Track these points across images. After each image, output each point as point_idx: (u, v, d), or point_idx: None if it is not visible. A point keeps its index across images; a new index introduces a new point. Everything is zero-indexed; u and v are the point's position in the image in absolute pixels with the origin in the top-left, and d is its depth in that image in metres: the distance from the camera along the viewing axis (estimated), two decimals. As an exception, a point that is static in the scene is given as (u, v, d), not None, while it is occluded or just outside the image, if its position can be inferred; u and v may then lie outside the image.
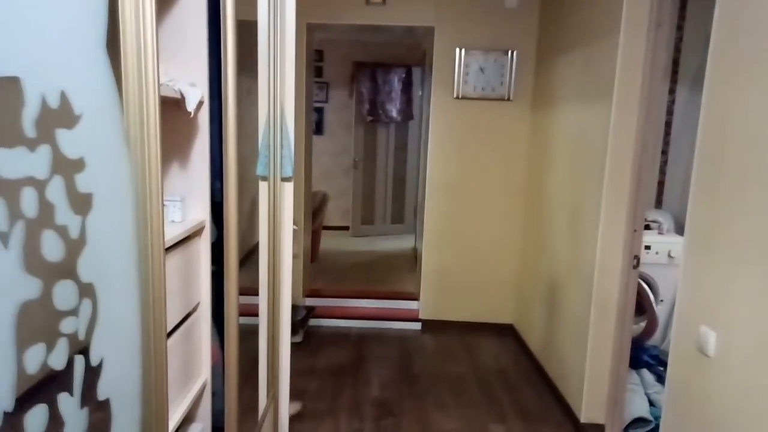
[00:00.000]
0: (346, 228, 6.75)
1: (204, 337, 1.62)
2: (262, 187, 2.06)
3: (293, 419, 2.70)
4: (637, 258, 2.60)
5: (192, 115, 1.39)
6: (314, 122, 6.82)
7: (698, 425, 1.76)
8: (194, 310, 1.55)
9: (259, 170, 2.04)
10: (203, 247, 1.56)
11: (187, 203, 1.50)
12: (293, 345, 3.60)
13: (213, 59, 1.45)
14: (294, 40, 2.01)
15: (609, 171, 2.56)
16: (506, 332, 3.98)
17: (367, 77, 6.41)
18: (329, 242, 6.19)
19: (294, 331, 3.66)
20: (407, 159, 6.69)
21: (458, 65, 3.80)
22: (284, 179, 2.08)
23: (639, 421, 2.70)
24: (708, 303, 1.75)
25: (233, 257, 1.37)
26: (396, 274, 5.01)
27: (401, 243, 6.32)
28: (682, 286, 1.91)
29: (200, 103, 1.44)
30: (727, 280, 1.65)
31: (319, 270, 5.11)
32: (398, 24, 3.84)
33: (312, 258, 5.16)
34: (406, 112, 6.54)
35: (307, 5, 3.78)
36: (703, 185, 1.82)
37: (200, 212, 1.52)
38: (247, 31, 2.15)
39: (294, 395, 2.96)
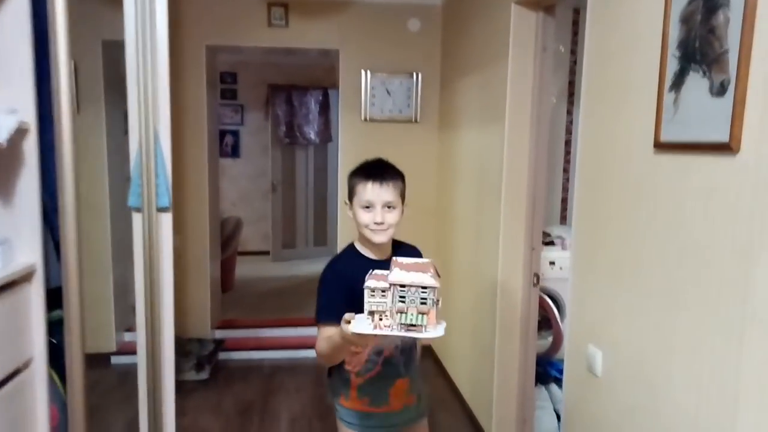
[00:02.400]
0: (266, 253, 6.54)
1: (39, 399, 1.43)
2: (136, 219, 1.91)
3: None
4: (536, 276, 2.62)
5: (4, 145, 1.23)
6: (230, 145, 6.62)
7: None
8: (25, 366, 1.37)
9: (131, 201, 1.89)
10: (35, 293, 1.38)
11: (12, 245, 1.34)
12: (198, 383, 3.38)
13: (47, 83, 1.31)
14: (167, 60, 1.88)
15: (505, 191, 2.58)
16: (426, 355, 3.93)
17: (282, 99, 6.30)
18: (248, 269, 5.96)
19: (200, 367, 3.44)
20: (328, 181, 6.60)
21: (365, 88, 3.77)
22: (160, 209, 1.93)
23: (548, 438, 2.71)
24: (594, 322, 1.76)
25: (75, 302, 1.22)
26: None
27: (324, 266, 6.19)
28: (571, 305, 1.93)
29: (23, 132, 1.29)
30: (609, 300, 1.67)
31: (233, 299, 4.89)
32: (301, 46, 3.78)
33: (226, 287, 4.93)
34: (325, 134, 6.47)
35: (206, 27, 3.64)
36: (584, 206, 1.85)
37: (30, 255, 1.35)
38: (117, 51, 2.00)
39: (194, 439, 2.75)
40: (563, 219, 3.91)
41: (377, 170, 1.54)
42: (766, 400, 1.11)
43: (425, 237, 3.80)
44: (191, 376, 3.41)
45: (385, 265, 1.40)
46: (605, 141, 1.70)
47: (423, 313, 1.17)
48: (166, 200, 1.93)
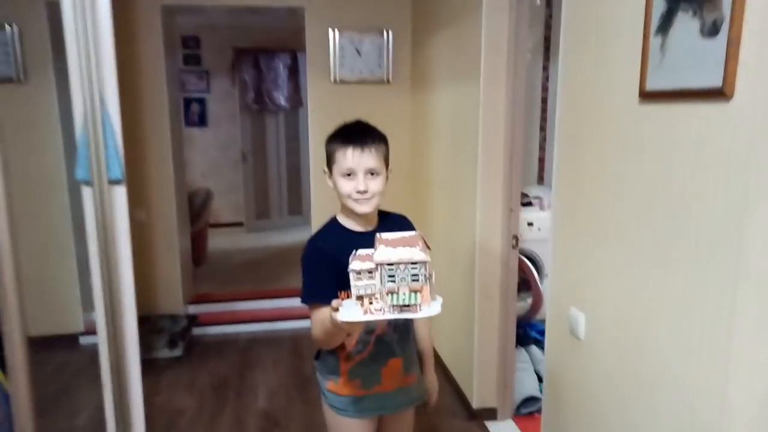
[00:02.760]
0: (240, 224, 6.39)
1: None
2: (86, 193, 1.76)
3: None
4: (516, 237, 2.56)
5: None
6: (197, 114, 6.37)
7: (575, 408, 1.72)
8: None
9: (79, 174, 1.74)
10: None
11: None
12: (172, 360, 3.28)
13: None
14: (110, 18, 1.71)
15: (482, 151, 2.48)
16: (404, 320, 3.89)
17: (249, 64, 6.05)
18: (221, 241, 5.82)
19: (173, 344, 3.34)
20: (300, 148, 6.42)
21: (333, 48, 3.59)
22: (112, 182, 1.78)
23: (530, 399, 2.70)
24: (576, 284, 1.70)
25: (11, 286, 1.10)
26: (292, 269, 4.77)
27: (300, 235, 6.06)
28: (552, 266, 1.86)
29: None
30: (592, 260, 1.60)
31: (207, 273, 4.76)
32: (265, 4, 3.57)
33: (199, 261, 4.80)
34: (295, 99, 6.26)
35: (160, -16, 3.40)
36: (564, 163, 1.76)
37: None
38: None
39: (169, 419, 2.67)
40: (541, 179, 3.84)
41: (357, 134, 1.41)
42: (759, 360, 1.06)
43: (400, 201, 3.69)
44: (164, 353, 3.31)
45: (371, 237, 1.28)
46: (586, 92, 1.60)
47: (416, 291, 1.07)
48: (118, 172, 1.78)
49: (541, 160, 3.84)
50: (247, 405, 2.80)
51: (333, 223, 1.52)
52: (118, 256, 1.85)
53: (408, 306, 1.08)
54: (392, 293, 1.07)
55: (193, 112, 6.31)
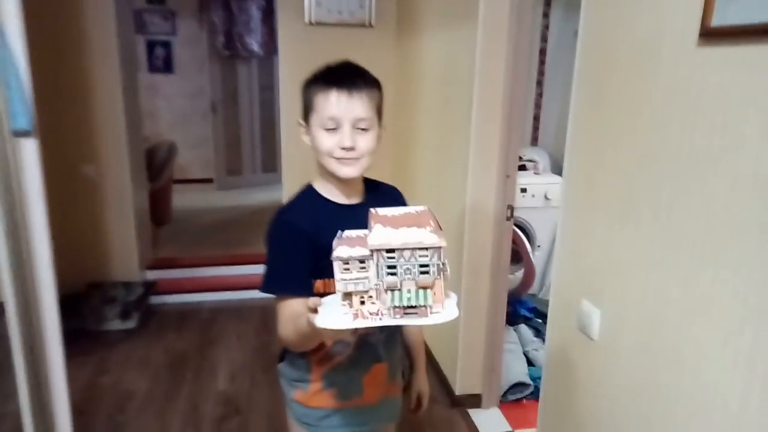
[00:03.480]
0: (210, 180, 5.98)
1: None
2: (-20, 147, 1.39)
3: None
4: (511, 208, 2.25)
5: None
6: (161, 59, 5.84)
7: (580, 420, 1.45)
8: None
9: (-32, 122, 1.36)
10: None
11: None
12: (124, 333, 2.97)
13: None
14: None
15: (477, 107, 2.14)
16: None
17: (219, 4, 5.50)
18: (189, 199, 5.43)
19: (126, 315, 3.02)
20: (275, 98, 5.95)
21: (308, -17, 3.15)
22: (18, 133, 1.41)
23: (517, 385, 2.46)
24: (591, 273, 1.40)
25: None
26: (265, 232, 4.43)
27: (274, 194, 5.69)
28: (560, 247, 1.56)
29: None
30: (614, 245, 1.29)
31: (170, 234, 4.40)
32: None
33: (161, 221, 4.43)
34: (269, 44, 5.75)
35: None
36: (583, 123, 1.43)
37: None
38: None
39: (116, 403, 2.37)
40: (535, 140, 3.52)
41: (345, 75, 1.10)
42: None
43: (380, 162, 3.34)
44: (116, 325, 2.99)
45: (359, 212, 1.01)
46: (619, 35, 1.26)
47: (425, 288, 0.79)
48: (24, 121, 1.41)
49: (536, 119, 3.51)
50: (205, 387, 2.51)
51: (309, 192, 1.19)
52: (30, 219, 1.49)
53: (414, 308, 0.79)
54: (393, 290, 0.79)
55: (158, 57, 5.79)
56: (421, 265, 0.77)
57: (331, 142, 1.08)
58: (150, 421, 2.26)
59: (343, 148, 1.08)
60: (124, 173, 3.23)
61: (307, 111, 1.13)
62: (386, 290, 0.79)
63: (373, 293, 0.80)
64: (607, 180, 1.31)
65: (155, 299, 3.36)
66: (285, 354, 1.25)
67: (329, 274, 0.88)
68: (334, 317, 0.83)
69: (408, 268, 0.78)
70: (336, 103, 1.07)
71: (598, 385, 1.36)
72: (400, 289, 0.78)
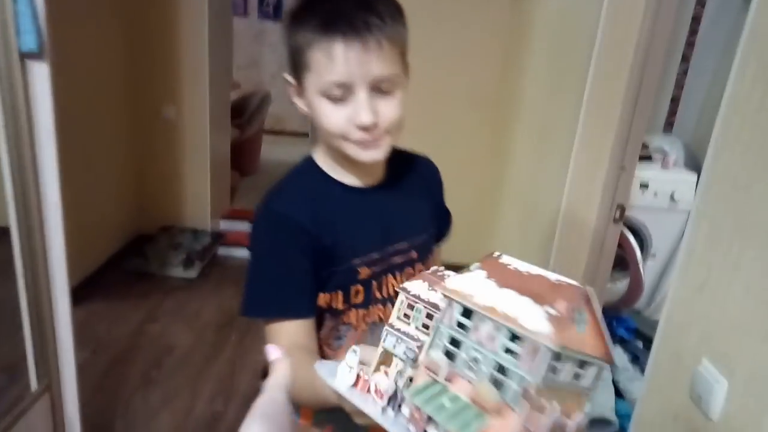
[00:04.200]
0: (305, 135, 5.86)
1: None
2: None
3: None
4: (621, 208, 1.78)
5: None
6: (272, 5, 5.72)
7: None
8: None
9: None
10: None
11: None
12: (184, 282, 2.89)
13: None
14: None
15: (594, 77, 1.67)
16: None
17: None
18: (280, 151, 5.33)
19: (189, 263, 2.94)
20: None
21: None
22: (26, 55, 1.22)
23: (600, 421, 2.02)
24: (722, 324, 0.96)
25: None
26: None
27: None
28: (680, 278, 1.11)
29: None
30: (756, 296, 0.85)
31: (254, 185, 4.31)
32: None
33: (247, 171, 4.35)
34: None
35: None
36: (743, 110, 0.96)
37: None
38: None
39: (154, 355, 2.28)
40: (668, 127, 2.90)
41: (353, 12, 0.71)
42: None
43: (480, 137, 2.92)
44: (177, 272, 2.92)
45: (378, 198, 0.82)
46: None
47: (482, 408, 0.42)
48: (31, 40, 1.21)
49: (675, 101, 2.87)
50: (247, 355, 2.34)
51: (308, 168, 0.86)
52: (39, 157, 1.32)
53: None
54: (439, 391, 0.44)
55: (268, 3, 5.66)
56: (500, 366, 0.41)
57: (341, 118, 0.74)
58: (182, 382, 2.13)
59: (362, 127, 0.73)
60: (204, 118, 3.11)
61: (295, 67, 0.77)
62: (420, 366, 0.47)
63: (398, 363, 0.52)
64: (762, 208, 0.84)
65: (223, 250, 3.26)
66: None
67: (334, 285, 0.69)
68: (331, 367, 0.56)
69: (478, 358, 0.42)
70: (344, 62, 0.71)
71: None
72: (441, 385, 0.44)
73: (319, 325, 0.85)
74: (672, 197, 2.42)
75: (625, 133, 1.69)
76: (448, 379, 0.44)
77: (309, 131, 5.81)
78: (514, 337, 0.40)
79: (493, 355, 0.41)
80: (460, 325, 0.43)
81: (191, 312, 2.63)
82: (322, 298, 0.82)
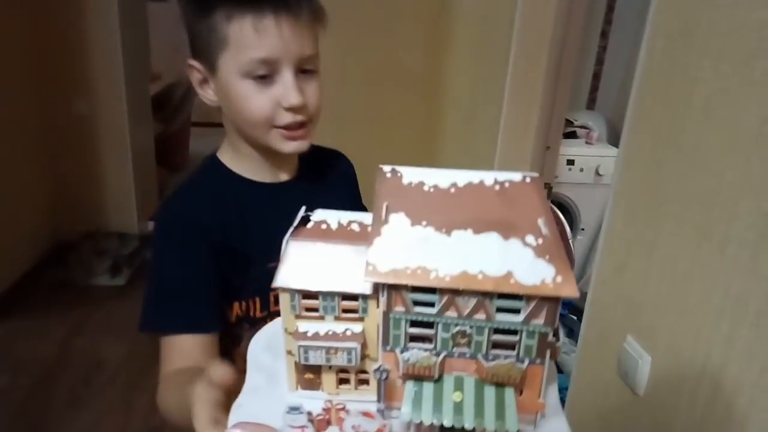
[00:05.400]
0: (237, 126, 5.68)
1: None
2: None
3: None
4: (549, 186, 1.81)
5: None
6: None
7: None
8: None
9: None
10: None
11: None
12: (112, 290, 2.73)
13: None
14: None
15: (516, 55, 1.67)
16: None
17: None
18: (210, 144, 5.05)
19: (116, 270, 2.78)
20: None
21: None
22: None
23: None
24: (644, 301, 0.98)
25: None
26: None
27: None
28: (602, 257, 1.13)
29: None
30: (682, 268, 0.87)
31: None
32: None
33: (176, 166, 4.16)
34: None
35: None
36: (653, 87, 0.97)
37: None
38: None
39: (84, 371, 2.14)
40: (591, 103, 2.99)
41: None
42: None
43: (412, 118, 2.89)
44: (104, 280, 2.76)
45: (290, 195, 0.72)
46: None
47: (502, 384, 0.35)
48: None
49: (596, 77, 2.96)
50: (183, 362, 2.25)
51: (212, 167, 0.81)
52: None
53: None
54: (419, 380, 0.36)
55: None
56: (500, 331, 0.35)
57: (267, 101, 0.69)
58: (114, 396, 2.02)
59: (290, 109, 0.69)
60: (121, 111, 2.92)
61: (205, 47, 0.71)
62: (402, 377, 0.36)
63: (371, 366, 0.39)
64: (686, 171, 0.86)
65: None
66: None
67: (250, 292, 0.62)
68: (269, 411, 0.38)
69: (463, 332, 0.35)
70: (275, 36, 0.67)
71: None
72: (437, 380, 0.36)
73: (237, 341, 0.80)
74: (597, 172, 2.50)
75: (548, 113, 1.71)
76: (436, 374, 0.35)
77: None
78: (506, 294, 0.33)
79: (487, 324, 0.34)
80: (419, 303, 0.34)
81: (121, 322, 2.49)
82: (237, 307, 0.77)
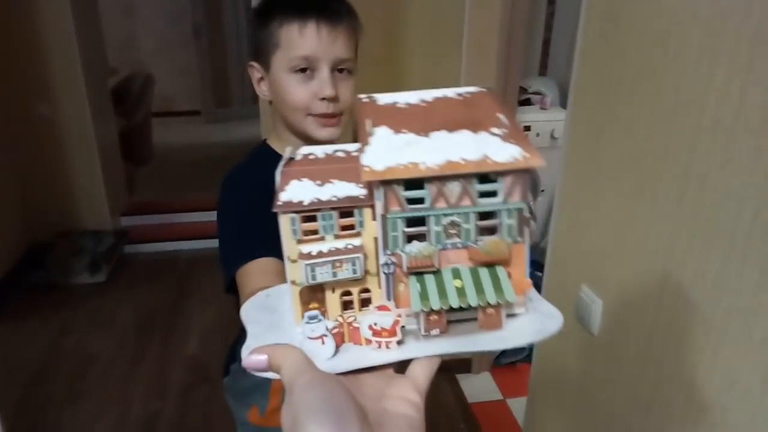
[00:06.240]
0: (197, 113, 5.63)
1: None
2: None
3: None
4: (507, 155, 1.93)
5: None
6: (137, -24, 5.30)
7: (575, 414, 1.22)
8: None
9: None
10: None
11: None
12: (92, 288, 2.77)
13: None
14: None
15: (468, 34, 1.77)
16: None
17: None
18: (174, 134, 5.10)
19: (95, 267, 2.82)
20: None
21: None
22: None
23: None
24: (594, 253, 1.12)
25: None
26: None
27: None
28: (557, 217, 1.26)
29: None
30: (623, 222, 1.00)
31: (151, 175, 4.13)
32: None
33: (141, 160, 4.14)
34: (254, -40, 5.19)
35: None
36: (591, 57, 1.09)
37: None
38: None
39: (77, 368, 2.21)
40: (543, 68, 3.11)
41: (322, 1, 0.84)
42: None
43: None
44: (84, 278, 2.79)
45: None
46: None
47: (493, 264, 0.39)
48: None
49: (546, 44, 3.07)
50: (174, 350, 2.33)
51: (264, 152, 0.92)
52: None
53: (470, 311, 0.39)
54: (420, 273, 0.39)
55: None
56: (484, 214, 0.38)
57: (306, 92, 0.83)
58: (111, 388, 2.10)
59: (324, 99, 0.83)
60: (83, 109, 2.90)
61: (263, 50, 0.86)
62: (407, 272, 0.39)
63: (372, 283, 0.40)
64: (621, 137, 0.99)
65: (130, 248, 3.14)
66: (231, 360, 1.01)
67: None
68: (280, 339, 0.40)
69: (453, 223, 0.38)
70: (315, 38, 0.81)
71: (596, 386, 1.12)
72: (436, 271, 0.39)
73: None
74: (552, 136, 2.64)
75: (503, 80, 1.82)
76: (435, 266, 0.38)
77: (200, 109, 5.59)
78: (485, 179, 0.37)
79: (473, 208, 0.37)
80: (411, 201, 0.37)
81: (106, 318, 2.55)
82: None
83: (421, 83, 2.33)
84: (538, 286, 2.32)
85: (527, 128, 2.61)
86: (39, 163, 2.93)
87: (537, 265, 2.58)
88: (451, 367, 2.19)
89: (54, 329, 2.43)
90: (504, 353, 2.23)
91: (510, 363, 2.24)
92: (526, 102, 2.70)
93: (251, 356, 0.36)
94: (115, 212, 3.20)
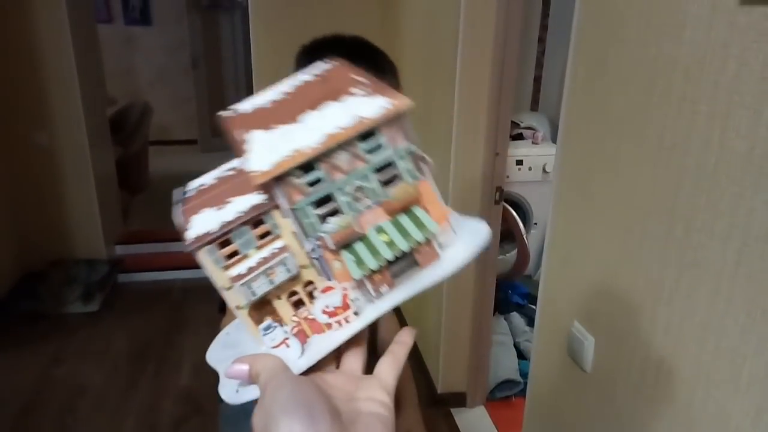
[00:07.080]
0: (194, 142, 5.68)
1: None
2: None
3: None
4: (500, 190, 1.97)
5: None
6: (137, 9, 5.42)
7: (566, 455, 1.22)
8: None
9: None
10: None
11: None
12: (86, 317, 2.76)
13: None
14: None
15: (462, 70, 1.82)
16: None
17: (197, -52, 5.05)
18: (170, 162, 5.13)
19: (88, 297, 2.80)
20: (262, 54, 5.58)
21: None
22: None
23: (507, 381, 2.24)
24: (585, 290, 1.14)
25: None
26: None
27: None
28: (548, 254, 1.29)
29: None
30: (613, 260, 1.02)
31: (147, 204, 4.14)
32: None
33: (137, 189, 4.16)
34: (253, -6, 5.32)
35: None
36: (579, 100, 1.13)
37: None
38: None
39: (67, 399, 2.18)
40: (535, 104, 3.19)
41: (369, 55, 0.81)
42: None
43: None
44: (77, 308, 2.78)
45: None
46: (631, -12, 0.94)
47: (407, 207, 0.40)
48: None
49: (537, 81, 3.16)
50: (166, 382, 2.31)
51: None
52: None
53: (406, 257, 0.40)
54: (349, 245, 0.39)
55: (133, 7, 5.36)
56: (380, 168, 0.39)
57: None
58: (101, 421, 2.07)
59: None
60: (81, 138, 2.94)
61: None
62: (336, 248, 0.39)
63: (311, 274, 0.40)
64: (610, 176, 1.02)
65: (123, 277, 3.13)
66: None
67: None
68: (245, 352, 0.40)
69: (360, 187, 0.39)
70: None
71: (589, 423, 1.12)
72: (362, 237, 0.39)
73: None
74: (544, 169, 2.69)
75: (494, 119, 1.87)
76: (359, 230, 0.39)
77: (197, 138, 5.64)
78: (366, 137, 0.38)
79: (368, 168, 0.38)
80: (311, 184, 0.38)
81: (99, 347, 2.53)
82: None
83: (415, 119, 2.38)
84: (532, 320, 2.31)
85: (519, 162, 2.67)
86: (34, 191, 2.94)
87: (531, 298, 2.60)
88: (446, 401, 2.18)
89: (45, 359, 2.41)
90: (498, 387, 2.23)
91: (505, 397, 2.23)
92: (519, 137, 2.76)
93: (234, 366, 0.38)
94: (109, 241, 3.20)
